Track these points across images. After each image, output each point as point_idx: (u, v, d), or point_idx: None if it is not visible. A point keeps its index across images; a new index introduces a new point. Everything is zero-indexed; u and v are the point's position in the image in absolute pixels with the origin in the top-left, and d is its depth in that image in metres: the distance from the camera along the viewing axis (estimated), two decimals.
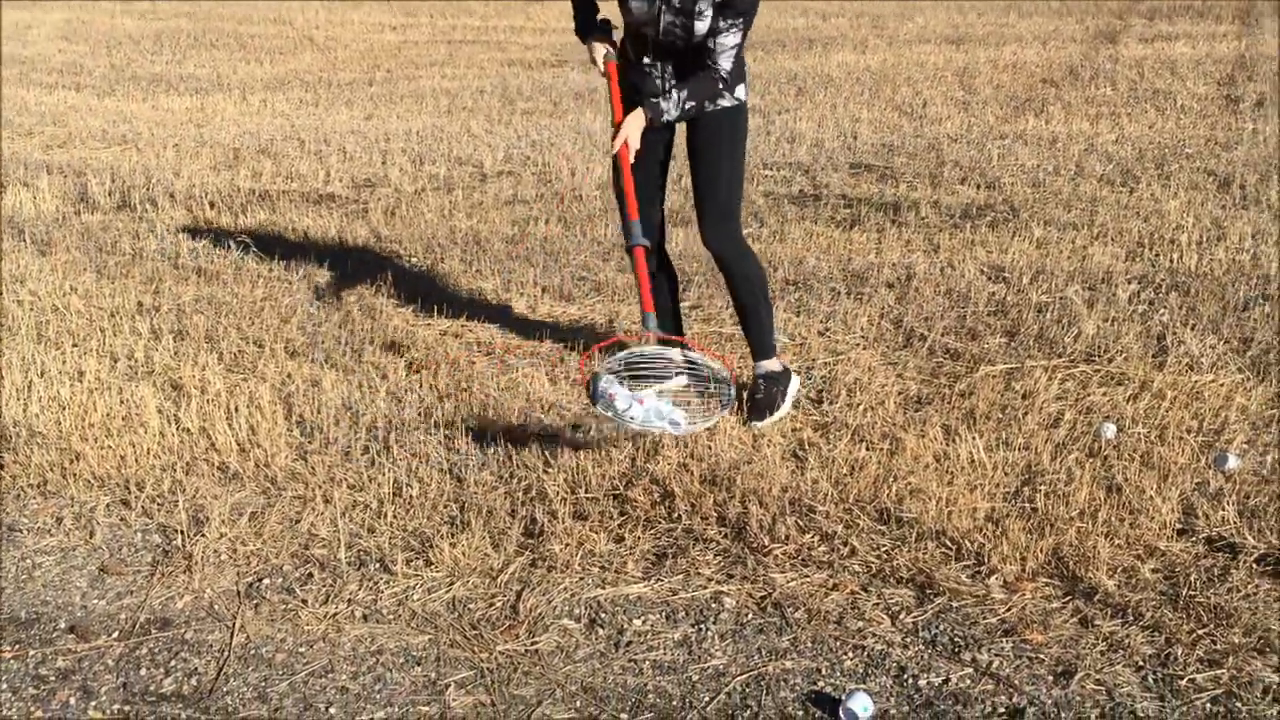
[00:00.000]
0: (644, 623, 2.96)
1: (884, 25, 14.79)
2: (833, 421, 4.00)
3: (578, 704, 2.67)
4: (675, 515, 3.40)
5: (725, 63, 3.73)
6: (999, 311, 5.01)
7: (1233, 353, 4.40)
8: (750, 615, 2.98)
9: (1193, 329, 4.61)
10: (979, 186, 7.20)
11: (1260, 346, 4.42)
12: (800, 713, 2.63)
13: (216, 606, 3.08)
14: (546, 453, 3.69)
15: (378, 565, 3.23)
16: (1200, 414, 3.91)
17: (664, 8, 3.67)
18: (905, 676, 2.73)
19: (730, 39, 3.70)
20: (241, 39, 15.21)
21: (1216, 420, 3.87)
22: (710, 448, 3.76)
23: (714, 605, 3.03)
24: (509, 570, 3.16)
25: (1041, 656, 2.78)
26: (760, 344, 4.13)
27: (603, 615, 2.99)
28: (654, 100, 3.75)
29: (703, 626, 2.94)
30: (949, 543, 3.22)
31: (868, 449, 3.77)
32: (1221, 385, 4.11)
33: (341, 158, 8.46)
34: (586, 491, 3.52)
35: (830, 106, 9.92)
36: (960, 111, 9.46)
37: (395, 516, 3.44)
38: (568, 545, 3.25)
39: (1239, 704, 2.59)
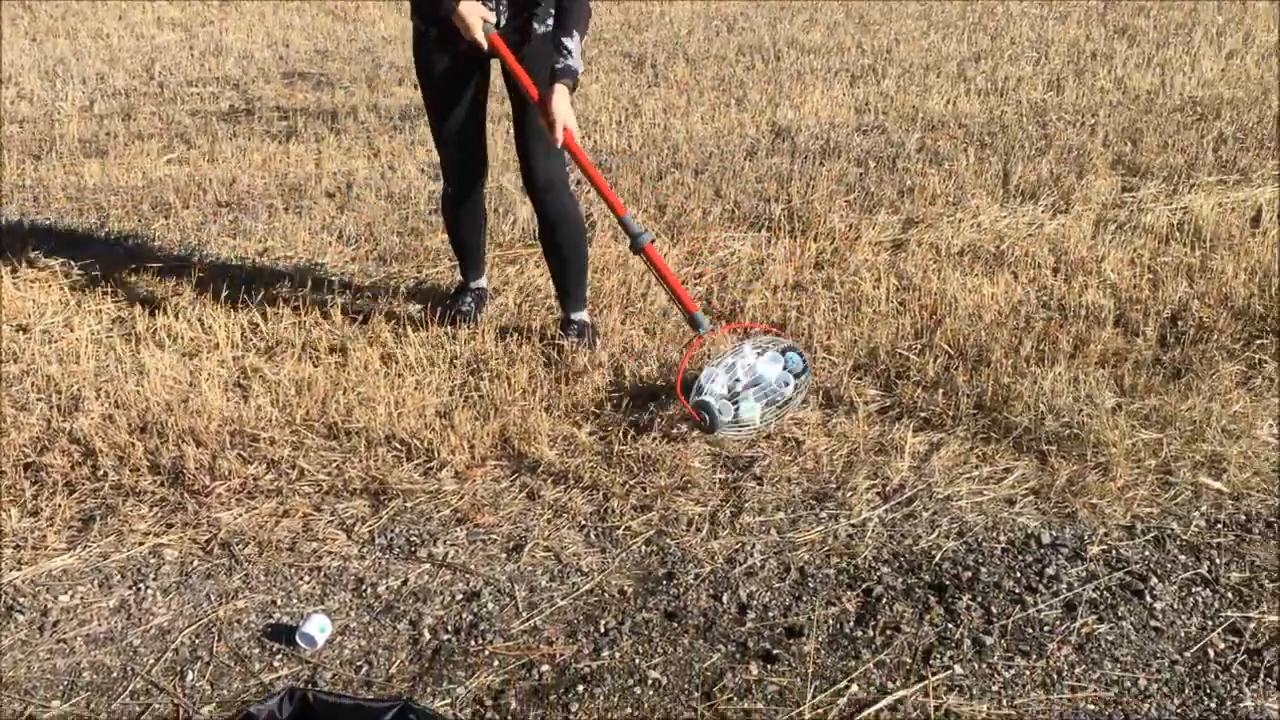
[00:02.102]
0: (72, 597, 2.67)
1: None
2: (278, 343, 3.82)
3: None
4: (101, 473, 3.08)
5: None
6: (440, 209, 5.01)
7: (651, 220, 4.72)
8: (195, 562, 2.78)
9: None
10: (416, 86, 7.15)
11: (674, 211, 4.79)
12: (257, 650, 2.51)
13: None
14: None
15: None
16: (627, 280, 4.17)
17: None
18: (364, 587, 2.69)
19: None
20: None
21: (642, 284, 4.14)
22: (140, 392, 3.44)
23: (153, 560, 2.79)
24: None
25: (494, 536, 2.85)
26: (580, 294, 3.76)
27: (21, 600, 2.65)
28: (561, 65, 3.28)
29: (142, 586, 2.70)
30: (399, 445, 3.20)
31: (315, 365, 3.64)
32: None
33: None
34: None
35: (259, 15, 9.40)
36: (393, 12, 9.34)
37: None
38: None
39: (669, 539, 2.81)
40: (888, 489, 2.96)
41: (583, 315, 3.77)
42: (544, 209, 3.59)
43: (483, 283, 4.10)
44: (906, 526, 2.82)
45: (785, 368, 3.34)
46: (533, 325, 3.84)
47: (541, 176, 3.53)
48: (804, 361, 3.38)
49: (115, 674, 2.44)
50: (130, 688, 2.40)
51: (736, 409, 3.20)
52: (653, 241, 3.40)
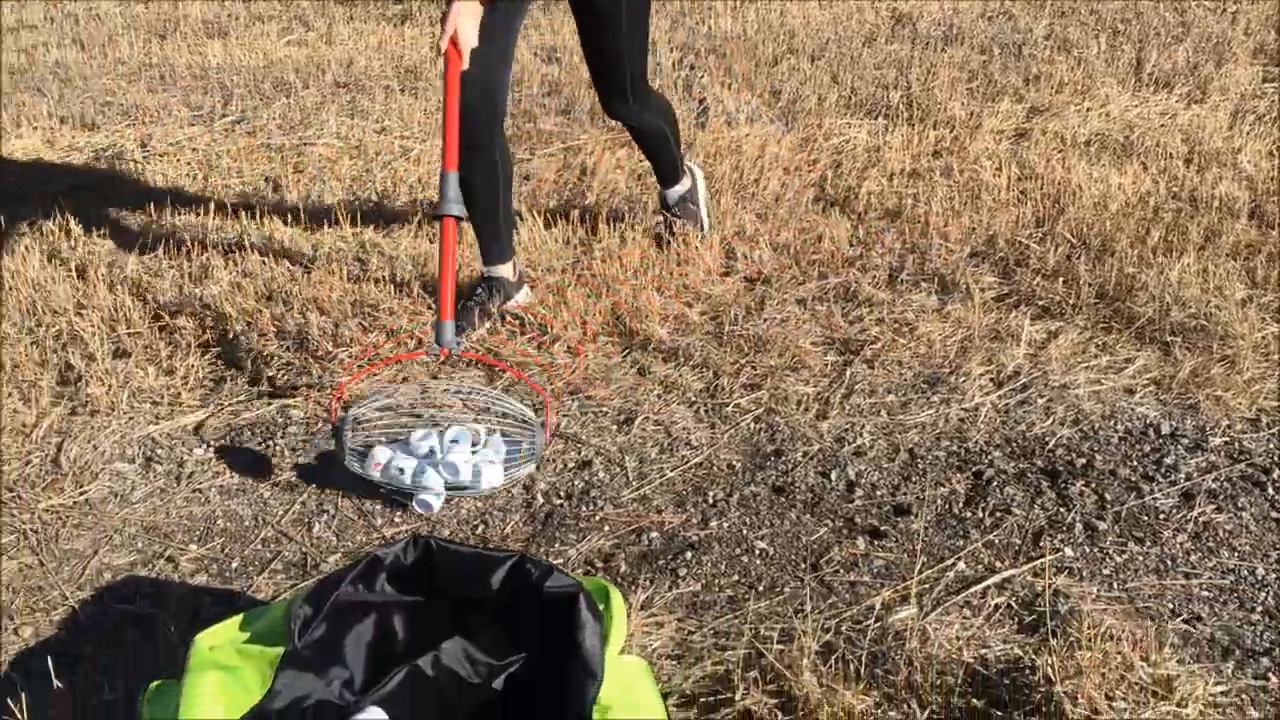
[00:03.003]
0: (206, 451, 2.80)
1: None
2: (394, 220, 3.89)
3: (139, 545, 2.50)
4: (230, 337, 3.20)
5: None
6: (553, 92, 5.01)
7: (765, 106, 4.66)
8: (320, 423, 2.89)
9: (728, 88, 4.83)
10: None
11: (788, 97, 4.71)
12: (379, 506, 2.60)
13: None
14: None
15: None
16: (740, 165, 4.13)
17: None
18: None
19: None
20: None
21: (755, 169, 4.10)
22: (265, 263, 3.55)
23: (280, 419, 2.91)
24: (45, 423, 2.87)
25: (605, 409, 2.90)
26: (672, 173, 3.58)
27: (159, 451, 2.80)
28: None
29: (271, 442, 2.82)
30: (514, 318, 3.25)
31: (430, 242, 3.70)
32: (757, 138, 4.35)
33: None
34: (128, 327, 3.24)
35: None
36: None
37: None
38: (111, 387, 2.99)
39: (777, 418, 2.83)
40: (1002, 375, 2.92)
41: (676, 189, 3.61)
42: (626, 125, 3.45)
43: (503, 270, 3.26)
44: (1020, 413, 2.79)
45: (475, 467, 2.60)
46: (646, 206, 3.84)
47: (614, 111, 3.31)
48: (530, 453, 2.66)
49: (247, 523, 2.57)
50: (261, 535, 2.52)
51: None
52: (457, 220, 2.74)
